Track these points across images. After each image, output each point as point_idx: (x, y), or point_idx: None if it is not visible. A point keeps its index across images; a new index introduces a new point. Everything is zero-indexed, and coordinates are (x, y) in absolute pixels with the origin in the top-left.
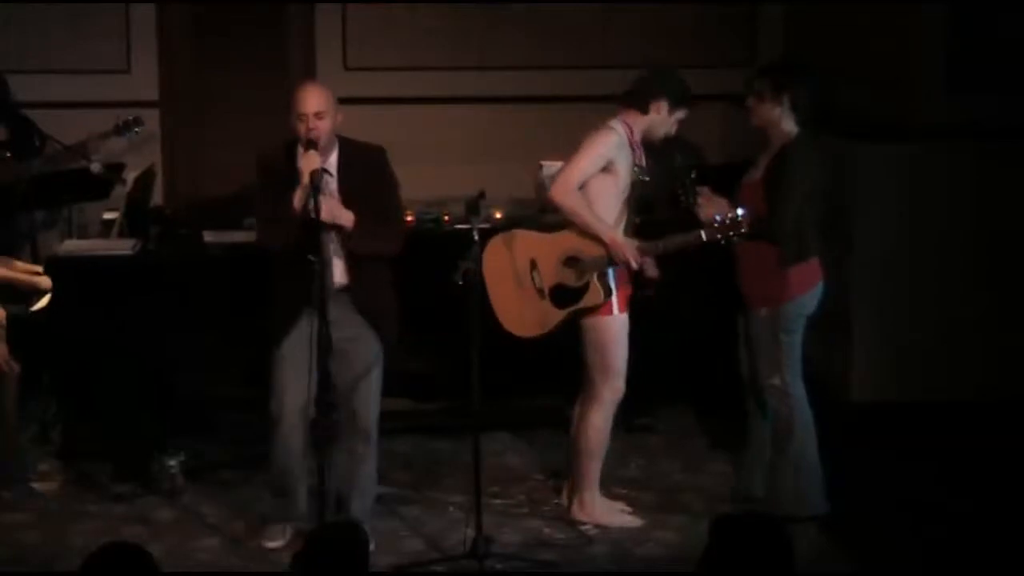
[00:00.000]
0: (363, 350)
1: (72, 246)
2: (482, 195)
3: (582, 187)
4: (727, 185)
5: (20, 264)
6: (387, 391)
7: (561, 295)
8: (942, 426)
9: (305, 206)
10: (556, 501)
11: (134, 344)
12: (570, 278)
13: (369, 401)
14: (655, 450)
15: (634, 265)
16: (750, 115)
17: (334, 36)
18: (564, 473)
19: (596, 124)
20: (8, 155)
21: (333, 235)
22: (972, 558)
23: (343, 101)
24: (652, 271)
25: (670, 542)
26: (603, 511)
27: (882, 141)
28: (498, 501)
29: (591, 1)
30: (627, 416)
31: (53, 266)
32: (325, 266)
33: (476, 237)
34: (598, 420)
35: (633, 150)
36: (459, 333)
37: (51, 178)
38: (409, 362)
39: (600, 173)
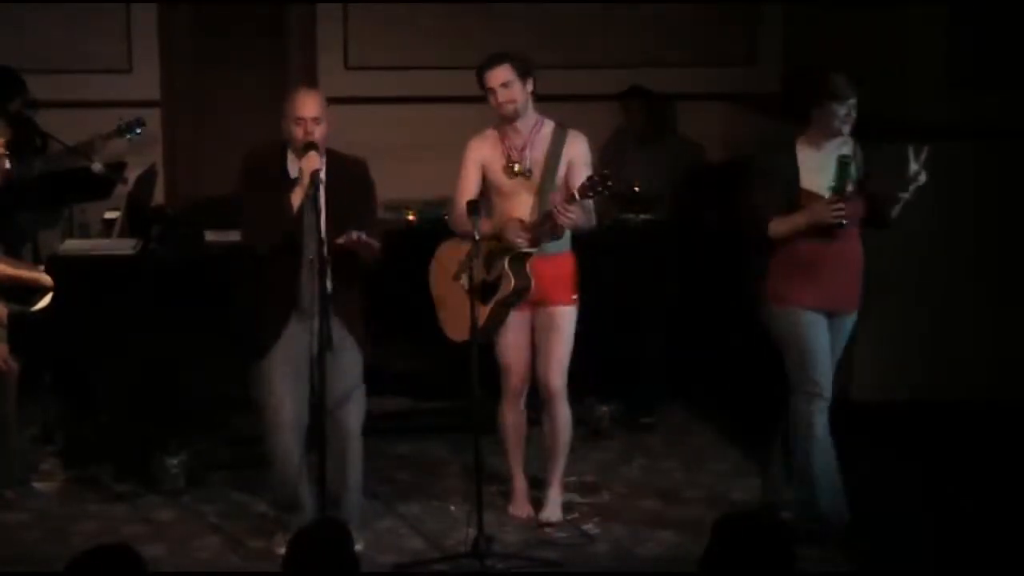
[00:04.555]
0: (347, 355)
1: (73, 245)
2: (483, 194)
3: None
4: (728, 183)
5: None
6: (387, 391)
7: (485, 291)
8: (944, 426)
9: (302, 206)
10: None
11: (135, 343)
12: (488, 273)
13: (356, 406)
14: (656, 449)
15: (520, 242)
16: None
17: (335, 35)
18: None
19: (595, 122)
20: (9, 154)
21: (325, 240)
22: (974, 558)
23: (344, 100)
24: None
25: (671, 541)
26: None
27: (882, 139)
28: (500, 501)
29: (591, 0)
30: (630, 415)
31: (54, 265)
32: (325, 266)
33: (477, 236)
34: (569, 412)
35: (508, 148)
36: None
37: (53, 177)
38: (409, 362)
39: (488, 179)
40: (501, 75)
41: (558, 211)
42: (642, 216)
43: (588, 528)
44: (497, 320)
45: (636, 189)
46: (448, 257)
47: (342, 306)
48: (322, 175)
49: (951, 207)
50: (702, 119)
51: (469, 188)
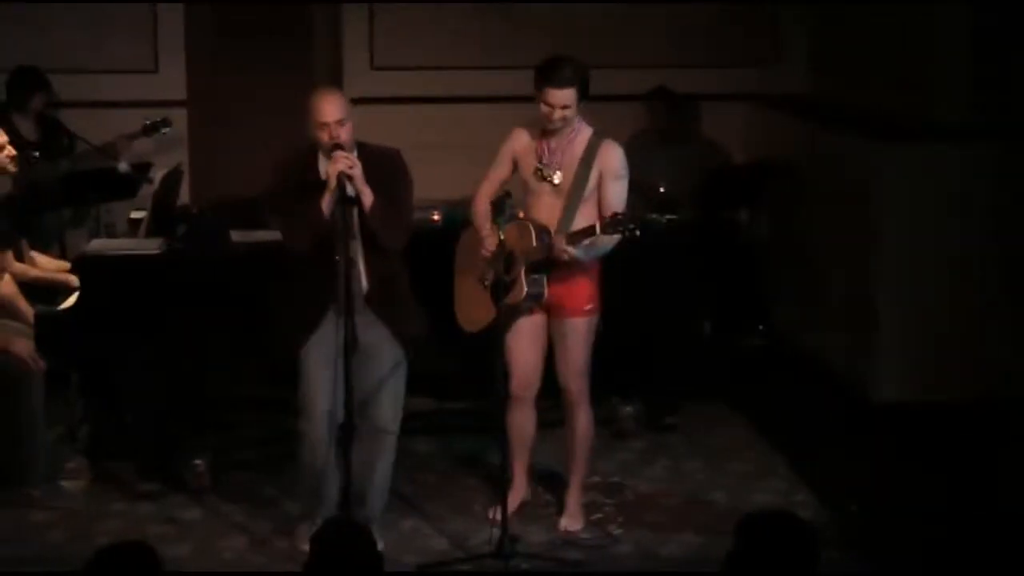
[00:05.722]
0: (384, 354)
1: (100, 245)
2: (508, 195)
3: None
4: (749, 183)
5: (48, 261)
6: (412, 390)
7: (498, 290)
8: (968, 427)
9: (333, 209)
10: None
11: (160, 343)
12: (507, 273)
13: (390, 405)
14: (679, 450)
15: (565, 257)
16: None
17: (361, 36)
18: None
19: (616, 122)
20: (37, 155)
21: (358, 238)
22: (996, 562)
23: (370, 101)
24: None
25: (694, 542)
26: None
27: (906, 140)
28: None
29: (614, 1)
30: (653, 416)
31: (81, 265)
32: (351, 267)
33: (502, 237)
34: (590, 419)
35: (541, 150)
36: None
37: (79, 177)
38: (434, 361)
39: (520, 174)
40: (566, 98)
41: (559, 250)
42: (667, 217)
43: (612, 529)
44: (507, 320)
45: (661, 190)
46: (473, 242)
47: (380, 302)
48: (357, 171)
49: (976, 208)
50: (725, 119)
51: (497, 178)
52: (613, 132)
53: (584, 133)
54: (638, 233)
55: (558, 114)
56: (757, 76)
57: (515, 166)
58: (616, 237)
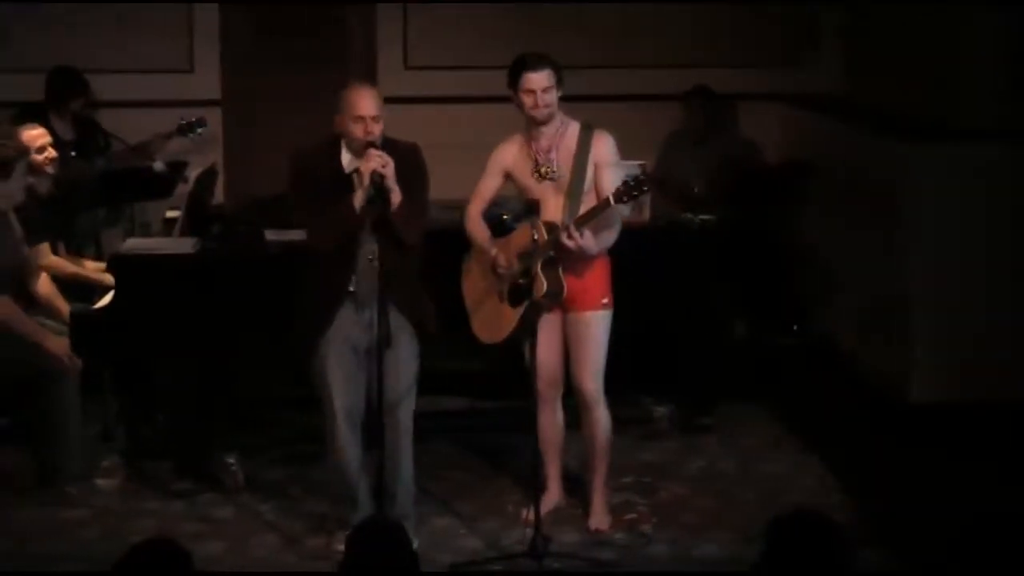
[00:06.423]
0: (404, 348)
1: (134, 244)
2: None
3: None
4: (783, 183)
5: (88, 263)
6: (444, 390)
7: (515, 293)
8: (1005, 427)
9: (364, 206)
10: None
11: (195, 342)
12: (521, 274)
13: (409, 397)
14: (712, 450)
15: (571, 244)
16: None
17: (395, 35)
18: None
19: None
20: (73, 154)
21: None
22: None
23: (404, 100)
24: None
25: (728, 543)
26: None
27: (939, 141)
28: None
29: (647, 1)
30: (687, 416)
31: (116, 264)
32: (383, 265)
33: (535, 237)
34: (607, 417)
35: (535, 152)
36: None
37: (115, 177)
38: (465, 361)
39: (517, 184)
40: (545, 79)
41: (566, 233)
42: (700, 216)
43: (645, 529)
44: (530, 323)
45: (695, 190)
46: (480, 265)
47: (398, 294)
48: (390, 169)
49: (1008, 208)
50: (759, 119)
51: (486, 193)
52: (645, 132)
53: (572, 127)
54: (645, 188)
55: (542, 99)
56: (791, 76)
57: (507, 178)
58: (618, 226)
